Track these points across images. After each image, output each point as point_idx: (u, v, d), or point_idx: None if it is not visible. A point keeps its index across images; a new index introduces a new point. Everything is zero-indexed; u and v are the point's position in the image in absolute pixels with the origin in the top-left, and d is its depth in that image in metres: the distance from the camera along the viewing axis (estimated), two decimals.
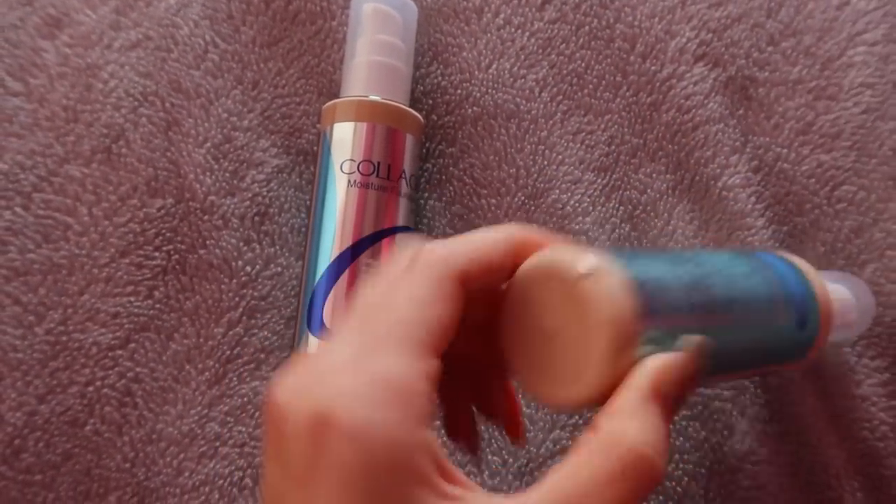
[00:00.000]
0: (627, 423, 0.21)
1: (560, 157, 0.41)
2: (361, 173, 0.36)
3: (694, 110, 0.41)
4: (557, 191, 0.41)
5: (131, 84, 0.41)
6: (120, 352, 0.38)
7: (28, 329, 0.38)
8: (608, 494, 0.20)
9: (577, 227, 0.40)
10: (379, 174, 0.36)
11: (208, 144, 0.40)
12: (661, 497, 0.37)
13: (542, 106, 0.41)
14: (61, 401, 0.37)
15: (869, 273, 0.39)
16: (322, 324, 0.34)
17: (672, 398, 0.23)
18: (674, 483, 0.37)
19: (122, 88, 0.40)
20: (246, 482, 0.37)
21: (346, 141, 0.36)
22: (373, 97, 0.37)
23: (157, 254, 0.39)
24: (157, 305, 0.39)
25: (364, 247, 0.35)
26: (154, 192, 0.39)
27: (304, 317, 0.35)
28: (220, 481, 0.37)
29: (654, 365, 0.22)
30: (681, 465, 0.37)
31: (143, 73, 0.41)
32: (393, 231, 0.36)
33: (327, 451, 0.19)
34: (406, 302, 0.22)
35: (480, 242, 0.24)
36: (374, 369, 0.20)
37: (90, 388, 0.37)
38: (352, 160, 0.36)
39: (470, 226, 0.40)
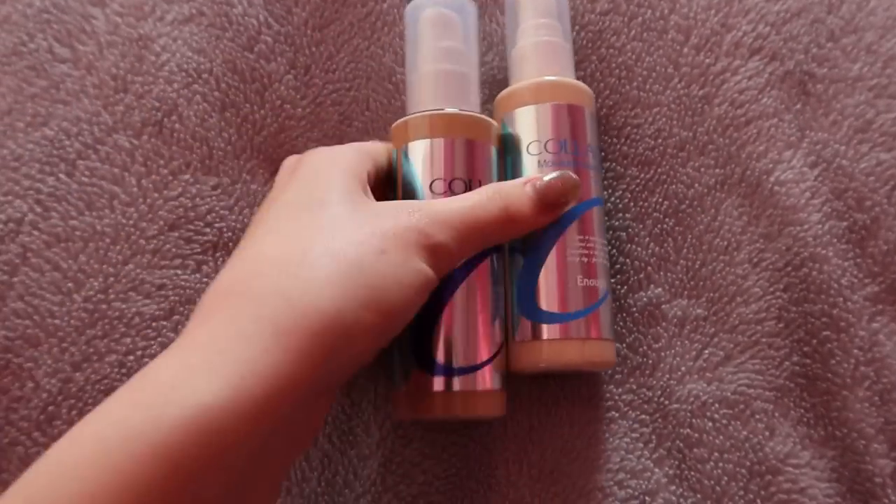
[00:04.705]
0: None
1: (602, 153, 0.37)
2: (453, 192, 0.31)
3: (747, 105, 0.37)
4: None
5: (184, 59, 0.37)
6: (164, 322, 0.34)
7: (66, 296, 0.34)
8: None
9: (616, 223, 0.36)
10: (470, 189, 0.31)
11: (265, 133, 0.37)
12: (699, 495, 0.33)
13: None
14: (97, 369, 0.33)
15: None
16: None
17: None
18: (713, 482, 0.33)
19: (175, 62, 0.37)
20: None
21: (424, 159, 0.31)
22: (449, 109, 0.32)
23: (207, 230, 0.35)
24: (205, 279, 0.35)
25: None
26: (208, 169, 0.36)
27: None
28: None
29: None
30: (720, 465, 0.33)
31: (196, 48, 0.37)
32: None
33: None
34: None
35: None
36: None
37: (130, 358, 0.34)
38: (443, 179, 0.31)
39: None
